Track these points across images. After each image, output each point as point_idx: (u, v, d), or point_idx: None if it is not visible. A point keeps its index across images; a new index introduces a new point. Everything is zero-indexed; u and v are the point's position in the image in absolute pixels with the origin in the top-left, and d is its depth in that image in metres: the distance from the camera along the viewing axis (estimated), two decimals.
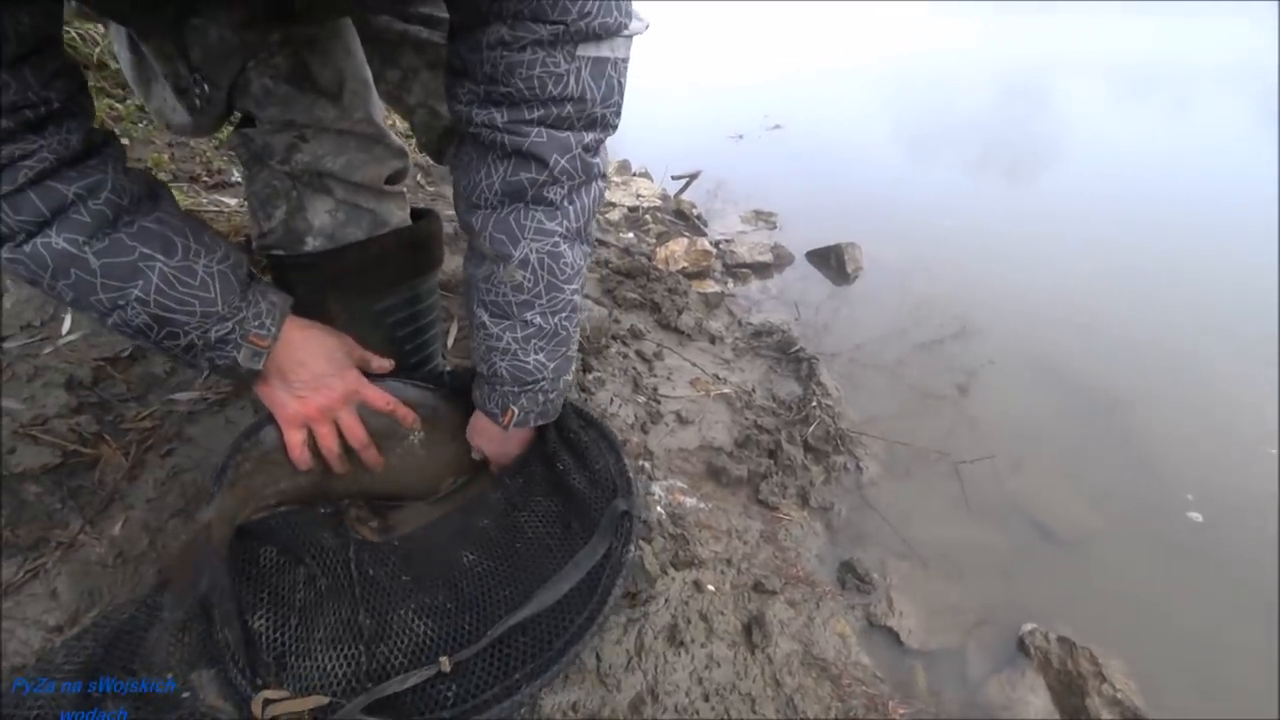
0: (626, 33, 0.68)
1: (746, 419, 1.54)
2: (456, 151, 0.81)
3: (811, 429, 1.51)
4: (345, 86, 0.88)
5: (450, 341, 1.53)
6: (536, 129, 0.70)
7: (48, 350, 1.21)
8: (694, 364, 1.68)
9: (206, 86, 0.85)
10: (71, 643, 0.72)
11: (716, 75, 5.35)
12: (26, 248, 0.62)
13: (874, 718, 1.04)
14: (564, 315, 0.84)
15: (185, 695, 0.67)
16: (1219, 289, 2.33)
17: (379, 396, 0.94)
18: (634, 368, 1.59)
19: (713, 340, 1.82)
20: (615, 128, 0.75)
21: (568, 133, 0.71)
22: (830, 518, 1.40)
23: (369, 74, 0.93)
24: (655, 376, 1.60)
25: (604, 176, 0.80)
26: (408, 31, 1.05)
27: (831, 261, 2.41)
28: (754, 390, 1.65)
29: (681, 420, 1.48)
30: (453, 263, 1.84)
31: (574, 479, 0.92)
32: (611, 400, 1.46)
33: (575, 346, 0.89)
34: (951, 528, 1.43)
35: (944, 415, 1.73)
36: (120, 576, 0.92)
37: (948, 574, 1.33)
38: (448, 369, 1.09)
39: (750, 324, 1.99)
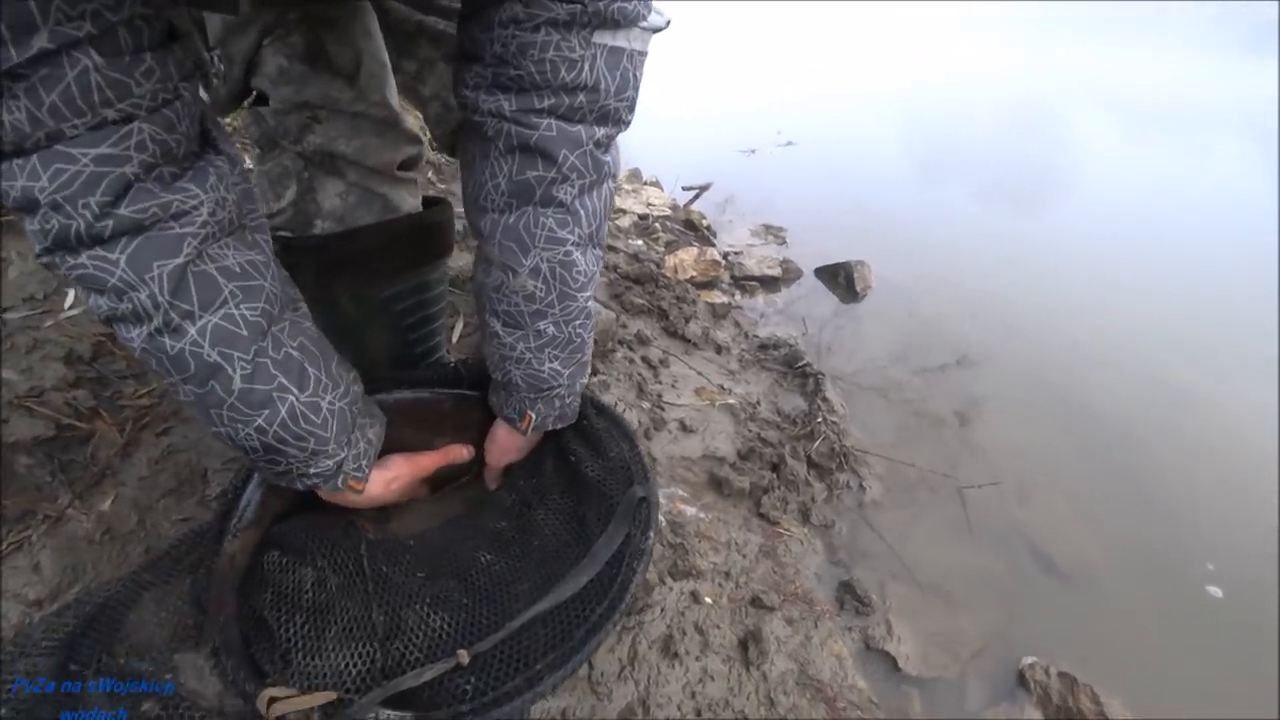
0: (645, 24, 0.64)
1: (750, 431, 1.52)
2: (462, 147, 0.76)
3: (816, 445, 1.49)
4: (362, 68, 0.87)
5: (455, 337, 1.52)
6: (546, 120, 0.65)
7: (49, 323, 1.20)
8: (699, 373, 1.66)
9: (223, 65, 0.84)
10: (51, 618, 0.70)
11: (730, 89, 5.37)
12: (170, 347, 0.55)
13: None
14: (578, 323, 0.81)
15: (167, 677, 0.65)
16: (1231, 327, 2.32)
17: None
18: (639, 373, 1.58)
19: (719, 350, 1.80)
20: (628, 124, 0.71)
21: (579, 126, 0.66)
22: (831, 536, 1.38)
23: (386, 57, 0.91)
24: (660, 383, 1.59)
25: (614, 176, 0.76)
26: (425, 22, 1.04)
27: (840, 279, 2.40)
28: (759, 402, 1.64)
29: (685, 428, 1.46)
30: (460, 259, 1.82)
31: (587, 468, 0.90)
32: (615, 404, 1.44)
33: (590, 351, 0.87)
34: (953, 553, 1.40)
35: (948, 440, 1.71)
36: (107, 553, 0.90)
37: (948, 600, 1.31)
38: (453, 361, 1.07)
39: (757, 336, 1.97)
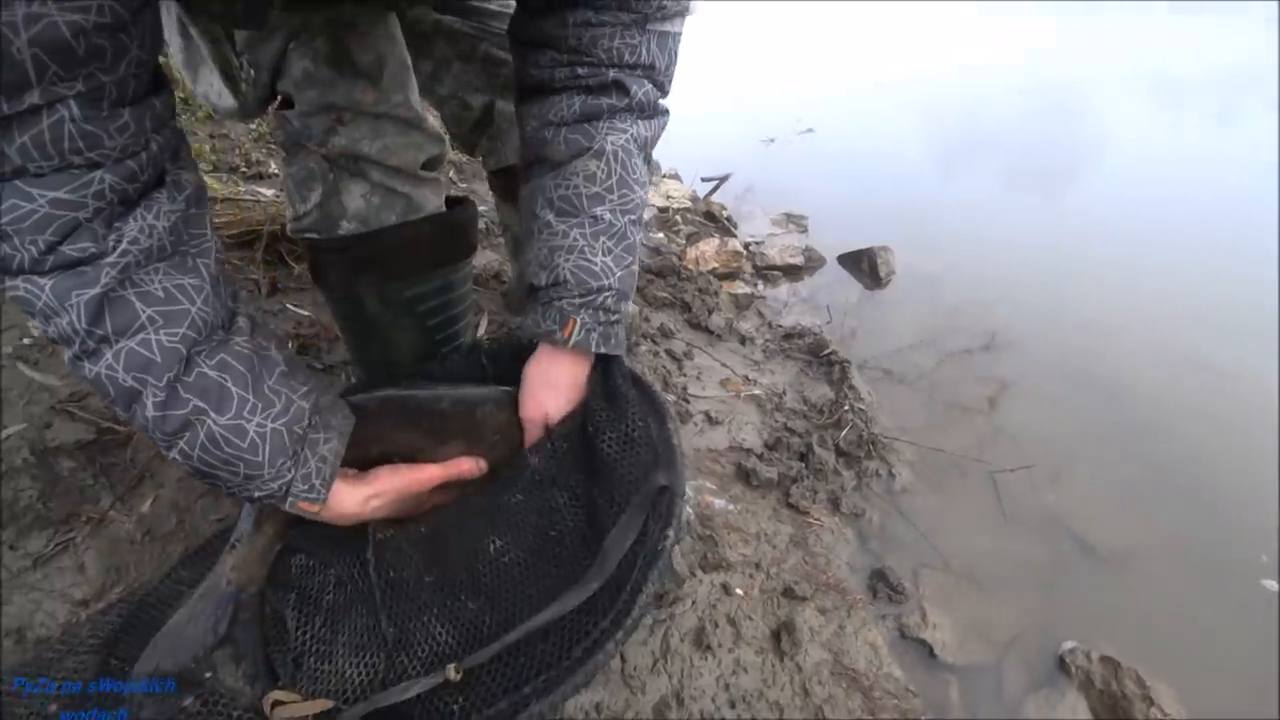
0: (688, 14, 0.76)
1: (777, 421, 1.51)
2: (525, 102, 0.83)
3: (844, 433, 1.48)
4: (385, 70, 0.88)
5: (481, 334, 1.52)
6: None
7: None
8: (724, 364, 1.65)
9: (250, 70, 0.85)
10: (97, 617, 0.72)
11: (747, 80, 5.32)
12: (89, 370, 0.56)
13: None
14: (632, 218, 0.80)
15: (207, 675, 0.66)
16: (1261, 303, 2.23)
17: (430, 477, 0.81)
18: (663, 366, 1.57)
19: (743, 341, 1.79)
20: (667, 94, 0.82)
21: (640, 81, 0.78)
22: (861, 525, 1.36)
23: (408, 58, 0.92)
24: (685, 375, 1.58)
25: (667, 115, 0.84)
26: (441, 22, 1.05)
27: (864, 265, 2.36)
28: (784, 392, 1.62)
29: (711, 420, 1.45)
30: (484, 256, 1.84)
31: (604, 442, 0.78)
32: None
33: (637, 266, 0.83)
34: (987, 539, 1.38)
35: (978, 425, 1.68)
36: (148, 554, 0.92)
37: (983, 586, 1.28)
38: (485, 341, 1.03)
39: (780, 326, 1.96)
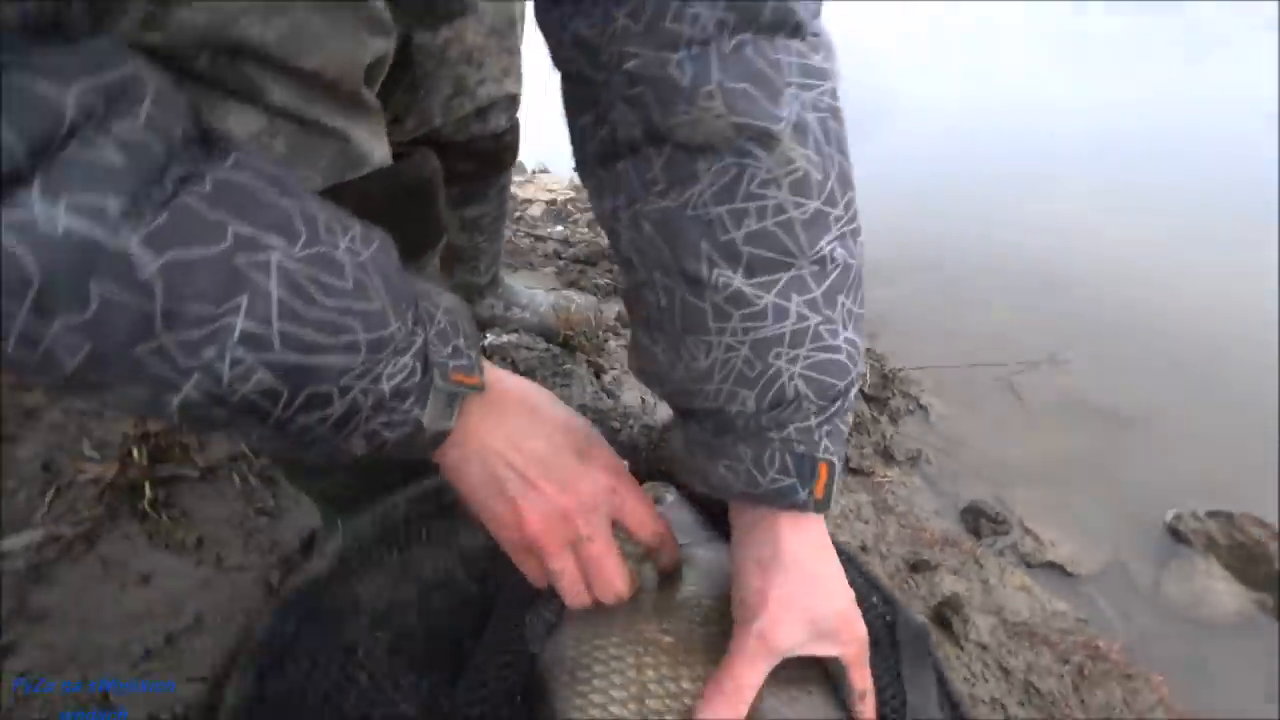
0: None
1: None
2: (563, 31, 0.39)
3: (867, 378, 1.35)
4: None
5: None
6: None
7: None
8: None
9: None
10: None
11: None
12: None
13: (1106, 668, 0.88)
14: (860, 235, 0.43)
15: None
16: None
17: (644, 513, 0.45)
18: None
19: None
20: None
21: None
22: (922, 467, 1.24)
23: None
24: None
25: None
26: None
27: None
28: None
29: None
30: None
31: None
32: (641, 400, 1.20)
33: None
34: (1031, 441, 1.33)
35: (975, 329, 1.64)
36: None
37: (1060, 487, 1.22)
38: None
39: None
